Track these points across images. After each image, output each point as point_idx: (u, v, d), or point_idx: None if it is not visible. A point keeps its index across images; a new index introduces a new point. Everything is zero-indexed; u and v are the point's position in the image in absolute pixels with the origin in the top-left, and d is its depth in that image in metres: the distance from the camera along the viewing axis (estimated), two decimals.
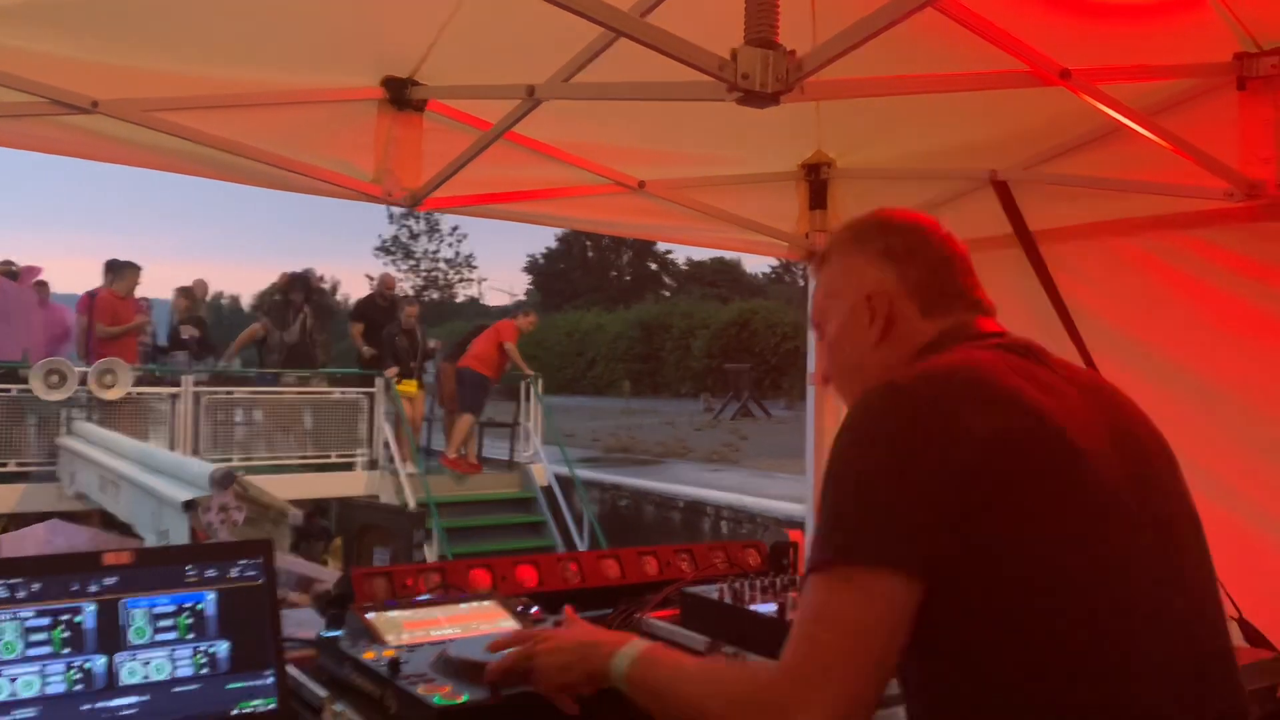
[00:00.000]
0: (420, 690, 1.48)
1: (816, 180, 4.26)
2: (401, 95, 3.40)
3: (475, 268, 54.05)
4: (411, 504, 11.44)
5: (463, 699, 1.45)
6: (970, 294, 1.57)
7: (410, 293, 49.20)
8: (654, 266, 54.89)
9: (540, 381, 14.22)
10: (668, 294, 50.08)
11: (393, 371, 12.37)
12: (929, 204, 3.95)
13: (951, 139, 3.72)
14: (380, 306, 13.48)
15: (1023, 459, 1.29)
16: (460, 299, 55.14)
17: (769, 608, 2.03)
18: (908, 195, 4.02)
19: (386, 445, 12.39)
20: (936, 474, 1.26)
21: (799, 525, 4.35)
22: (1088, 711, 1.25)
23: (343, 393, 12.50)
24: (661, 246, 49.67)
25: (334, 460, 12.31)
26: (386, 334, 12.60)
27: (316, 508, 10.97)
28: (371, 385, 12.48)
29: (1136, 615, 1.30)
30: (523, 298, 60.68)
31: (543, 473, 13.15)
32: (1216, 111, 3.03)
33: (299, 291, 12.34)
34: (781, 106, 2.60)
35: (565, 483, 13.18)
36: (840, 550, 1.27)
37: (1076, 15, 2.82)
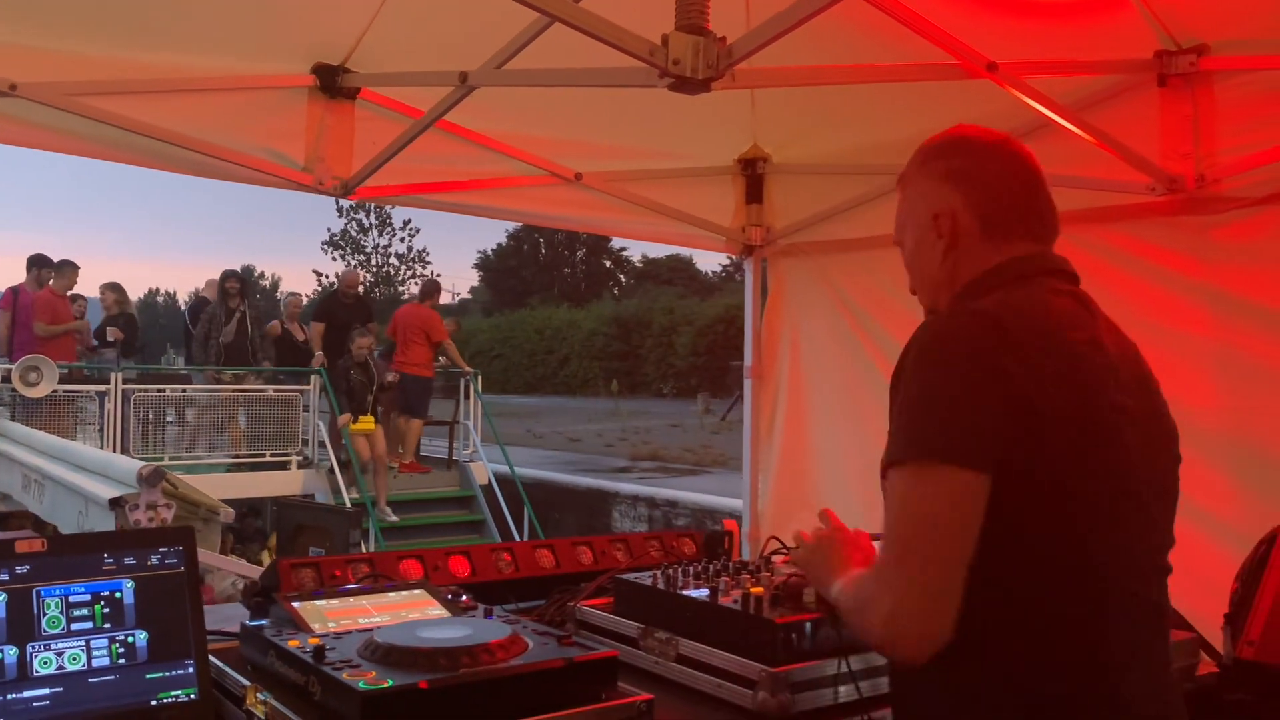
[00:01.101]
0: (345, 676, 1.45)
1: (753, 175, 4.29)
2: (333, 82, 3.36)
3: (429, 263, 51.39)
4: (348, 503, 11.29)
5: (388, 684, 1.43)
6: (1035, 218, 1.61)
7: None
8: (608, 263, 53.79)
9: (479, 379, 14.09)
10: (618, 292, 49.34)
11: (345, 419, 11.56)
12: (863, 198, 4.00)
13: (884, 135, 3.75)
14: (345, 304, 12.73)
15: (1074, 409, 1.40)
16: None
17: (701, 593, 2.03)
18: (843, 190, 4.07)
19: (323, 444, 12.22)
20: (1006, 397, 1.37)
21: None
22: (1076, 638, 1.40)
23: (277, 390, 12.28)
24: (616, 243, 48.46)
25: (268, 459, 12.10)
26: (340, 368, 11.75)
27: (250, 508, 10.81)
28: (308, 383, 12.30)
29: (1117, 578, 1.45)
30: (468, 295, 58.29)
31: (483, 471, 13.05)
32: (1138, 108, 3.11)
33: (236, 289, 12.06)
34: (717, 101, 2.63)
35: (513, 484, 13.09)
36: (917, 448, 1.39)
37: (1003, 11, 2.88)
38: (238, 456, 12.02)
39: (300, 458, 12.24)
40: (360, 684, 1.42)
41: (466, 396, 13.72)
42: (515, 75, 2.74)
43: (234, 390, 12.11)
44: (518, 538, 12.28)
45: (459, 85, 2.88)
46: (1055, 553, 1.40)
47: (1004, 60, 2.73)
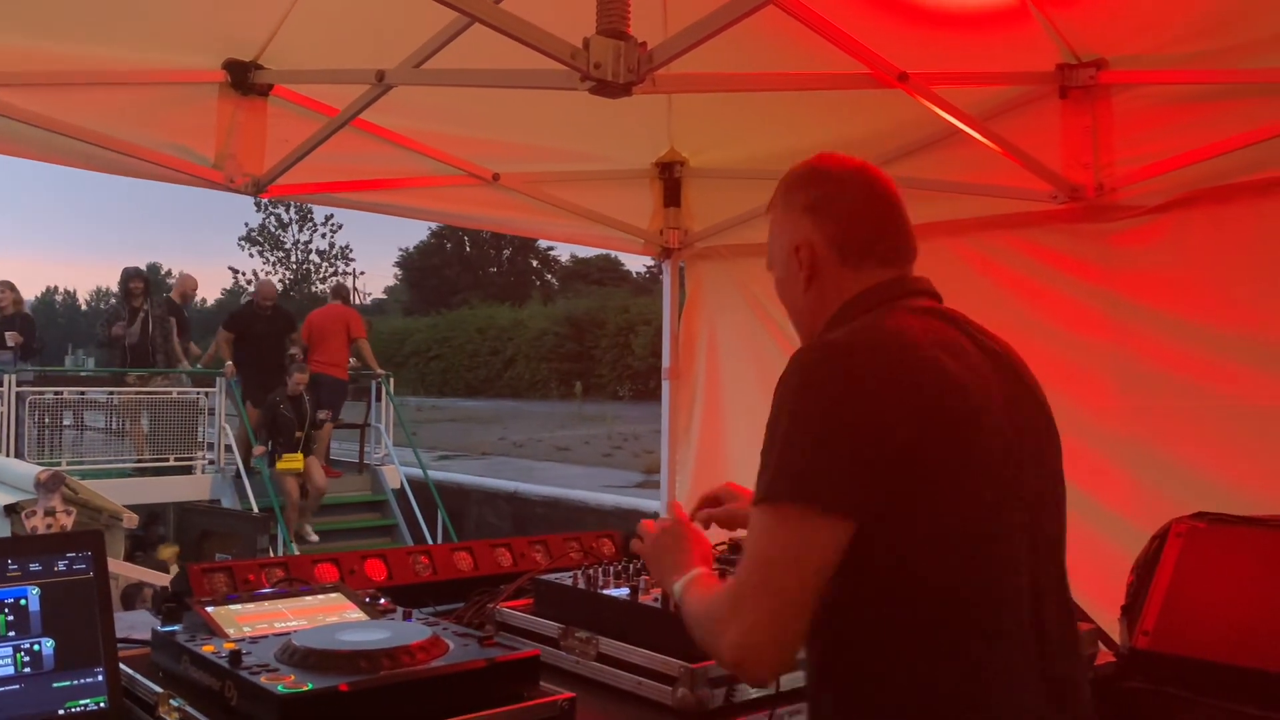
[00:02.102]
0: (263, 680, 1.43)
1: (670, 179, 4.33)
2: (244, 79, 3.30)
3: (352, 260, 49.85)
4: (255, 508, 11.03)
5: (308, 687, 1.41)
6: (891, 242, 1.63)
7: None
8: (535, 263, 52.11)
9: (392, 380, 13.89)
10: (546, 292, 47.44)
11: (260, 451, 11.08)
12: None
13: (799, 141, 3.81)
14: (262, 316, 11.94)
15: (937, 430, 1.39)
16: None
17: (621, 592, 2.05)
18: (759, 194, 4.09)
19: (229, 448, 11.92)
20: (866, 431, 1.37)
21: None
22: (963, 666, 1.40)
23: (181, 393, 11.93)
24: (543, 242, 45.26)
25: (172, 463, 11.77)
26: (269, 401, 11.07)
27: (151, 514, 10.49)
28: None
29: (1004, 585, 1.44)
30: (382, 295, 56.19)
31: (395, 474, 12.87)
32: (1041, 118, 3.22)
33: (140, 289, 11.64)
34: (635, 105, 2.65)
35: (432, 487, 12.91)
36: (780, 487, 1.39)
37: (914, 23, 2.96)
38: (140, 461, 11.66)
39: (206, 462, 11.93)
40: (279, 688, 1.40)
41: (378, 399, 13.51)
42: (433, 75, 2.72)
43: (136, 393, 11.73)
44: (431, 542, 12.14)
45: (375, 84, 2.85)
46: (936, 583, 1.39)
47: (915, 70, 2.81)
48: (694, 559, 1.66)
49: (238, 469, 11.59)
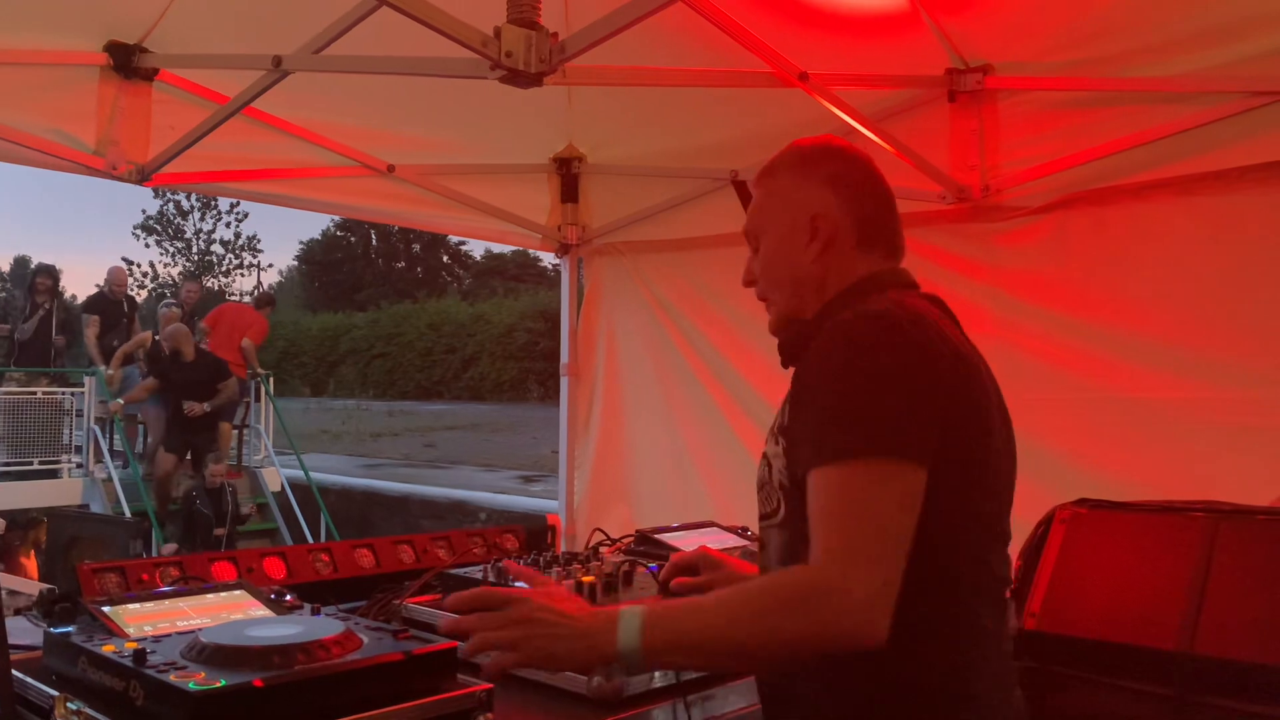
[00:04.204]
0: (172, 678, 1.38)
1: (568, 174, 4.32)
2: (128, 62, 3.17)
3: (260, 251, 45.28)
4: (127, 513, 10.57)
5: (220, 684, 1.37)
6: (896, 236, 1.66)
7: (176, 279, 40.29)
8: (446, 258, 48.97)
9: (271, 380, 13.49)
10: (459, 288, 44.74)
11: (170, 549, 9.61)
12: (676, 201, 4.11)
13: (696, 140, 3.87)
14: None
15: (973, 395, 1.47)
16: (239, 287, 44.60)
17: None
18: (657, 192, 4.16)
19: (98, 451, 11.40)
20: (930, 389, 1.40)
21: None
22: (977, 632, 1.48)
23: (45, 392, 11.35)
24: (454, 237, 41.98)
25: (36, 467, 11.19)
26: (186, 494, 10.07)
27: (12, 520, 9.96)
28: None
29: (1002, 560, 1.55)
30: (266, 287, 54.12)
31: (275, 476, 12.51)
32: (931, 121, 3.33)
33: (47, 286, 10.97)
34: (535, 100, 2.63)
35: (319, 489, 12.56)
36: (865, 443, 1.36)
37: (814, 25, 3.02)
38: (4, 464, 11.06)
39: (73, 465, 11.38)
40: (190, 685, 1.35)
41: (257, 399, 13.11)
42: (335, 61, 2.66)
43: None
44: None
45: (271, 70, 2.76)
46: (962, 540, 1.46)
47: (814, 71, 2.87)
48: (590, 608, 1.45)
49: (109, 473, 11.08)
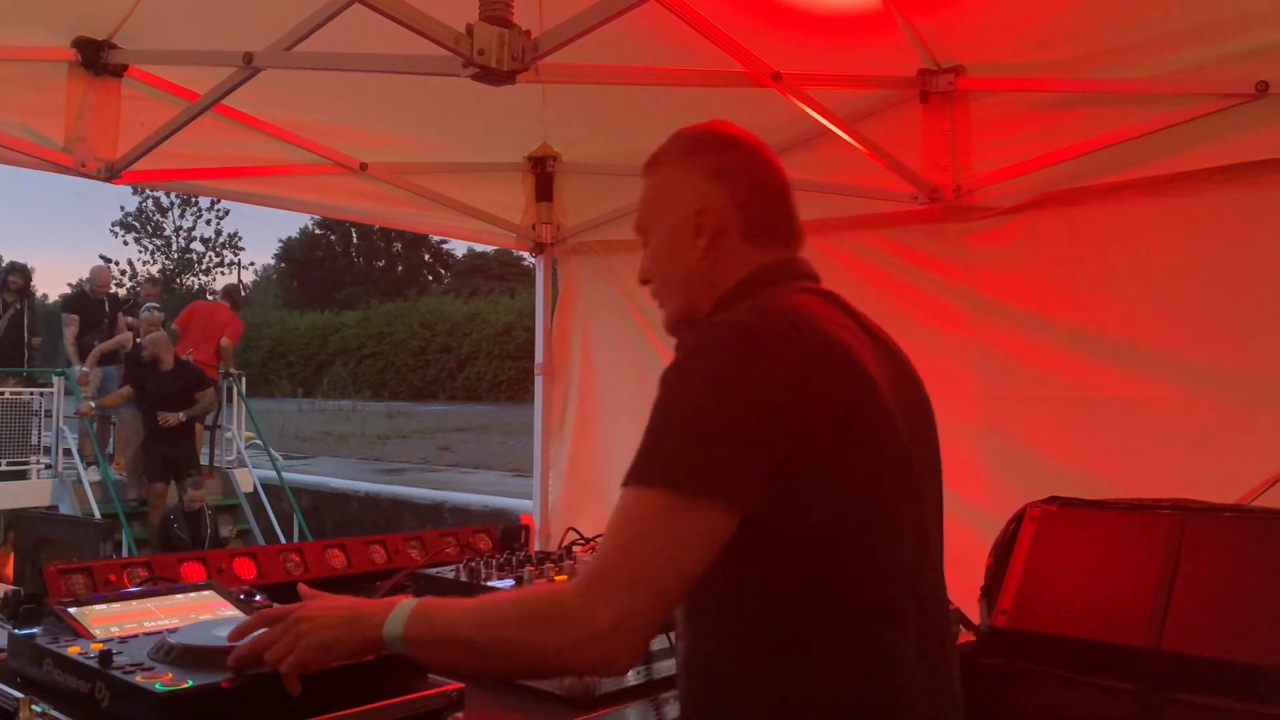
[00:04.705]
0: (139, 679, 1.37)
1: (543, 173, 4.31)
2: (96, 58, 3.14)
3: (242, 249, 45.21)
4: (98, 514, 10.46)
5: (187, 684, 1.36)
6: (791, 223, 1.57)
7: (156, 275, 39.79)
8: (428, 257, 48.42)
9: (244, 380, 13.38)
10: (440, 287, 44.09)
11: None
12: None
13: None
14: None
15: (845, 416, 1.34)
16: (220, 286, 42.89)
17: (506, 583, 2.04)
18: (631, 191, 4.13)
19: (68, 452, 11.27)
20: (767, 419, 1.29)
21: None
22: (854, 657, 1.36)
23: (13, 392, 11.22)
24: (437, 235, 42.93)
25: (4, 468, 11.04)
26: (163, 519, 9.86)
27: None
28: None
29: (902, 577, 1.40)
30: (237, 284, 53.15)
31: (248, 478, 12.41)
32: (904, 121, 3.34)
33: (19, 284, 10.79)
34: (509, 98, 2.63)
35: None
36: (667, 472, 1.28)
37: (787, 25, 3.03)
38: None
39: (42, 466, 11.25)
40: (157, 685, 1.34)
41: (229, 400, 13.00)
42: (307, 58, 2.64)
43: None
44: None
45: (243, 66, 2.74)
46: (841, 569, 1.35)
47: (788, 71, 2.88)
48: (364, 603, 1.45)
49: (79, 475, 10.96)
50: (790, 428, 1.30)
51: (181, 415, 10.14)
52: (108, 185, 3.39)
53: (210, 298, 20.04)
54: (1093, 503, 2.44)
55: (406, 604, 1.39)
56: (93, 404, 10.67)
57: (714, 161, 1.55)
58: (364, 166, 3.83)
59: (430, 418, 26.59)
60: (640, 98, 3.50)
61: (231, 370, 12.79)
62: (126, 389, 10.41)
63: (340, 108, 3.64)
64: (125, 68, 3.21)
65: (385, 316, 35.86)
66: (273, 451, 13.17)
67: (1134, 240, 3.05)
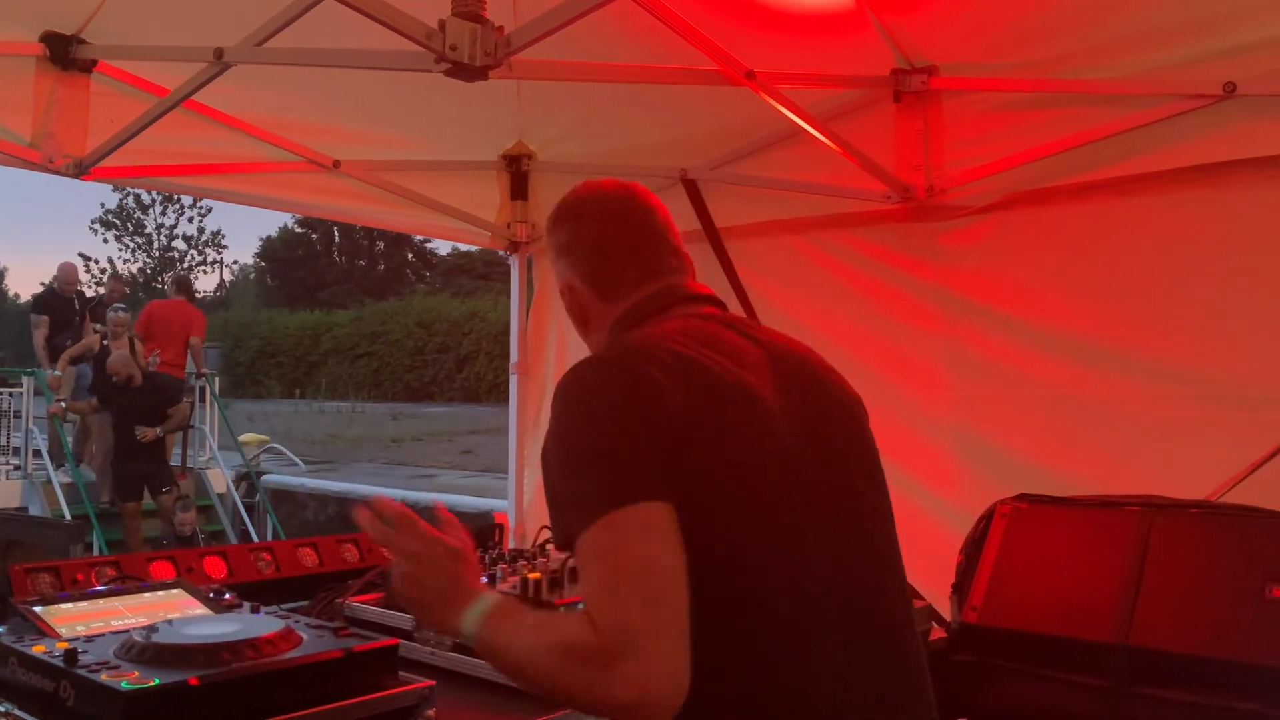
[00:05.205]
0: (104, 678, 1.35)
1: (518, 171, 4.30)
2: (64, 53, 3.10)
3: (225, 247, 44.50)
4: (68, 516, 10.35)
5: (154, 683, 1.34)
6: (641, 261, 1.62)
7: (120, 273, 39.28)
8: (411, 256, 47.64)
9: (217, 380, 13.27)
10: (424, 287, 43.39)
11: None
12: None
13: (646, 137, 3.87)
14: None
15: (708, 430, 1.36)
16: (204, 284, 43.95)
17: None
18: None
19: (38, 453, 11.14)
20: (647, 435, 1.33)
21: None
22: (760, 679, 1.33)
23: None
24: (410, 234, 41.26)
25: None
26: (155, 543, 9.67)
27: None
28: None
29: (808, 593, 1.38)
30: (210, 294, 49.71)
31: (220, 478, 12.31)
32: (877, 121, 3.35)
33: None
34: (483, 96, 2.62)
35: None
36: (601, 502, 1.29)
37: (760, 24, 3.03)
38: None
39: (10, 468, 11.11)
40: (123, 684, 1.32)
41: (202, 400, 12.89)
42: (278, 54, 2.62)
43: None
44: None
45: (213, 62, 2.72)
46: (731, 583, 1.33)
47: (761, 70, 2.88)
48: (472, 581, 1.45)
49: (49, 476, 10.83)
50: (656, 441, 1.32)
51: (159, 430, 9.94)
52: (87, 182, 3.35)
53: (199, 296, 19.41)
54: (1062, 500, 2.46)
55: (488, 601, 1.40)
56: (62, 404, 10.49)
57: (557, 239, 1.68)
58: (337, 164, 3.81)
59: (438, 419, 25.84)
60: (616, 96, 3.50)
61: (204, 370, 12.61)
62: (95, 401, 10.18)
63: (313, 105, 3.62)
64: (94, 63, 3.17)
65: (379, 315, 35.19)
66: (291, 454, 12.80)
67: (1104, 240, 3.08)
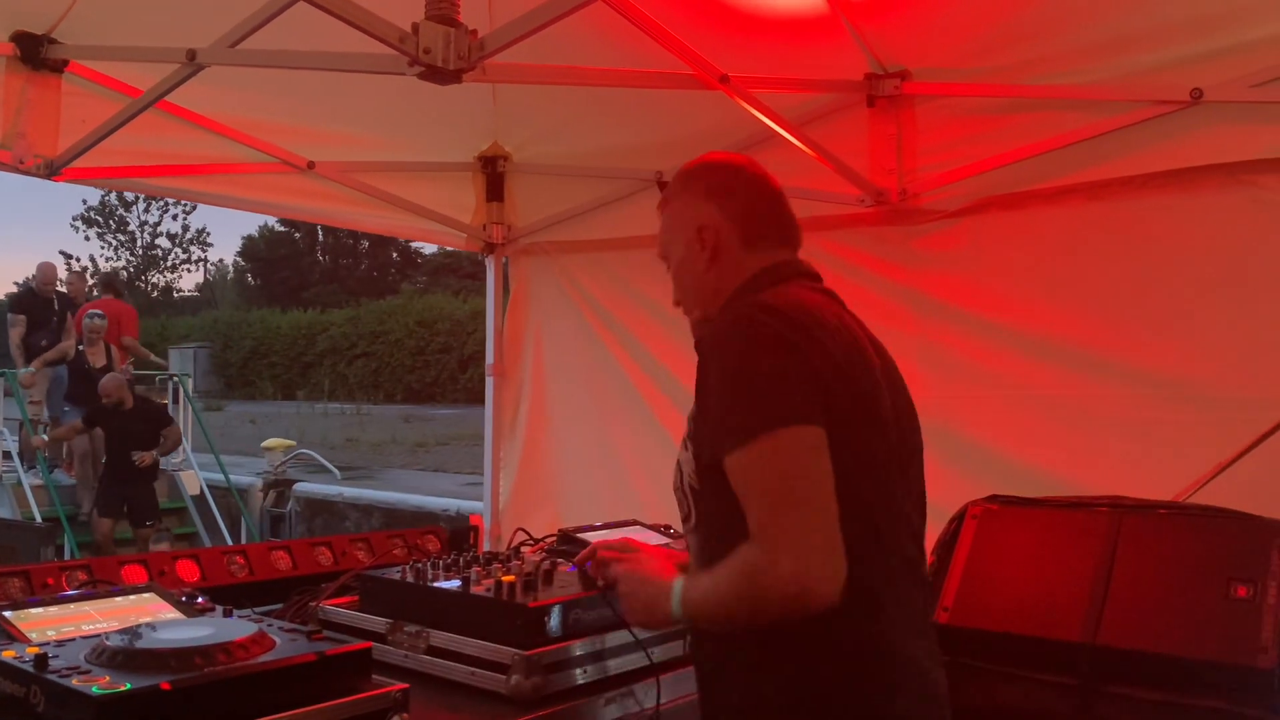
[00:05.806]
0: (75, 683, 1.35)
1: (493, 173, 4.30)
2: (35, 53, 3.08)
3: (210, 245, 43.92)
4: (39, 518, 10.23)
5: (125, 687, 1.34)
6: (784, 227, 1.82)
7: (120, 271, 38.76)
8: (396, 255, 46.22)
9: (190, 381, 13.14)
10: (409, 287, 41.82)
11: None
12: (602, 200, 4.11)
13: (621, 140, 3.88)
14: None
15: (855, 382, 1.60)
16: (187, 283, 43.08)
17: (453, 584, 2.03)
18: (582, 191, 4.16)
19: (7, 455, 11.00)
20: (812, 373, 1.55)
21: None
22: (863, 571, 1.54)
23: None
24: (385, 235, 39.74)
25: None
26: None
27: None
28: None
29: (895, 515, 1.69)
30: (193, 293, 48.99)
31: (194, 480, 12.20)
32: (850, 125, 3.37)
33: None
34: (459, 98, 2.61)
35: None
36: (759, 421, 1.50)
37: (734, 28, 3.05)
38: None
39: None
40: (94, 689, 1.32)
41: (175, 400, 12.78)
42: (251, 55, 2.61)
43: None
44: None
45: (186, 63, 2.70)
46: (847, 510, 1.54)
47: (735, 74, 2.90)
48: (666, 575, 1.70)
49: (19, 478, 10.70)
50: (820, 376, 1.55)
51: (155, 454, 9.77)
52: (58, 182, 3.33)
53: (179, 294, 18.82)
54: (1032, 501, 2.49)
55: (679, 584, 1.65)
56: (45, 438, 10.28)
57: (706, 184, 1.81)
58: (311, 165, 3.80)
59: (452, 422, 24.41)
60: (591, 99, 3.50)
61: (153, 358, 12.27)
62: (78, 423, 9.94)
63: (287, 105, 3.60)
64: (66, 63, 3.15)
65: (377, 315, 33.97)
66: (323, 460, 12.23)
67: (1075, 243, 3.11)
